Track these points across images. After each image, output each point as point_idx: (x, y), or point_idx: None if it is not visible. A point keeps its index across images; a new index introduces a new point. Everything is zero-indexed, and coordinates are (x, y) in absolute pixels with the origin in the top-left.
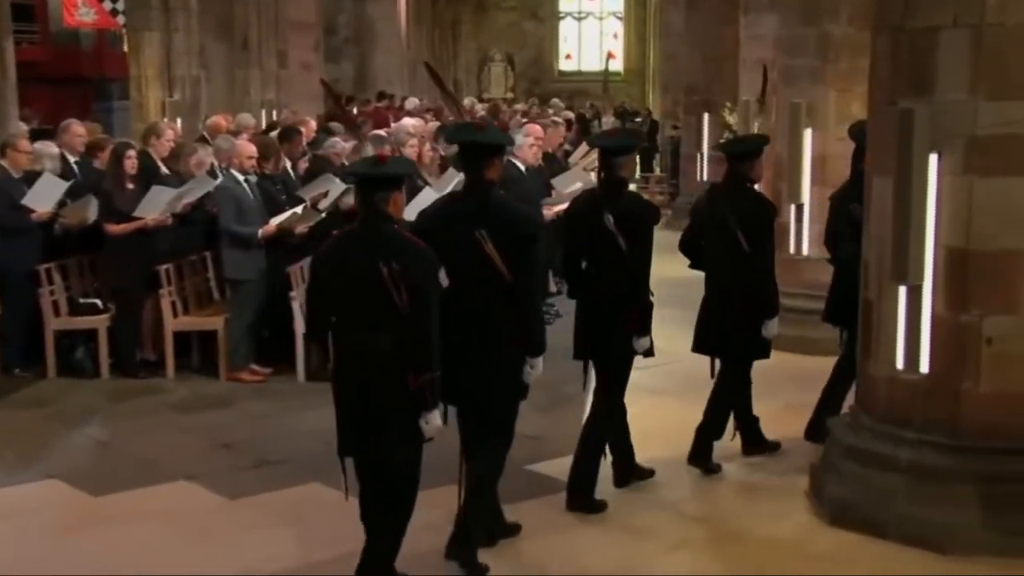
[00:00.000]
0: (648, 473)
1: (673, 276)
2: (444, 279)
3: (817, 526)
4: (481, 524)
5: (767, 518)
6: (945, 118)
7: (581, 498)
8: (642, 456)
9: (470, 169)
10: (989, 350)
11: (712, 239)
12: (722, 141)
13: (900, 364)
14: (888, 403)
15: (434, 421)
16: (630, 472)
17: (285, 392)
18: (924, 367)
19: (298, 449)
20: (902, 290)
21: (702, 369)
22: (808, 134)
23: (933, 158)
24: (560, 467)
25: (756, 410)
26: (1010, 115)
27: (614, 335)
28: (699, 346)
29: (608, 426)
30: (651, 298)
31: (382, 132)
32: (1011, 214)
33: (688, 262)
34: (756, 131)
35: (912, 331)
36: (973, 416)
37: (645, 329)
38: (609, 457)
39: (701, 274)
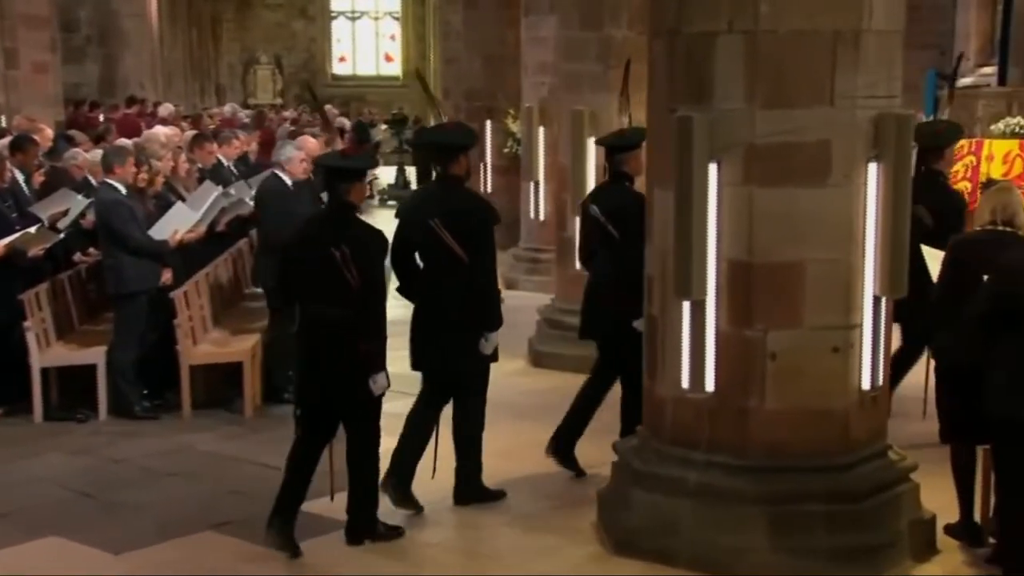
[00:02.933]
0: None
1: None
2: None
3: (602, 557)
4: (476, 469)
5: (549, 551)
6: (723, 126)
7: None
8: (434, 488)
9: (439, 166)
10: (774, 365)
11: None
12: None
13: (685, 383)
14: (675, 424)
15: (380, 381)
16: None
17: (18, 435)
18: (709, 385)
19: (33, 499)
20: (686, 306)
21: (494, 393)
22: (592, 143)
23: (713, 167)
24: (334, 505)
25: (542, 433)
26: (786, 123)
27: (612, 316)
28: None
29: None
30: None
31: (127, 141)
32: (791, 225)
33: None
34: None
35: (697, 348)
36: (760, 434)
37: (638, 312)
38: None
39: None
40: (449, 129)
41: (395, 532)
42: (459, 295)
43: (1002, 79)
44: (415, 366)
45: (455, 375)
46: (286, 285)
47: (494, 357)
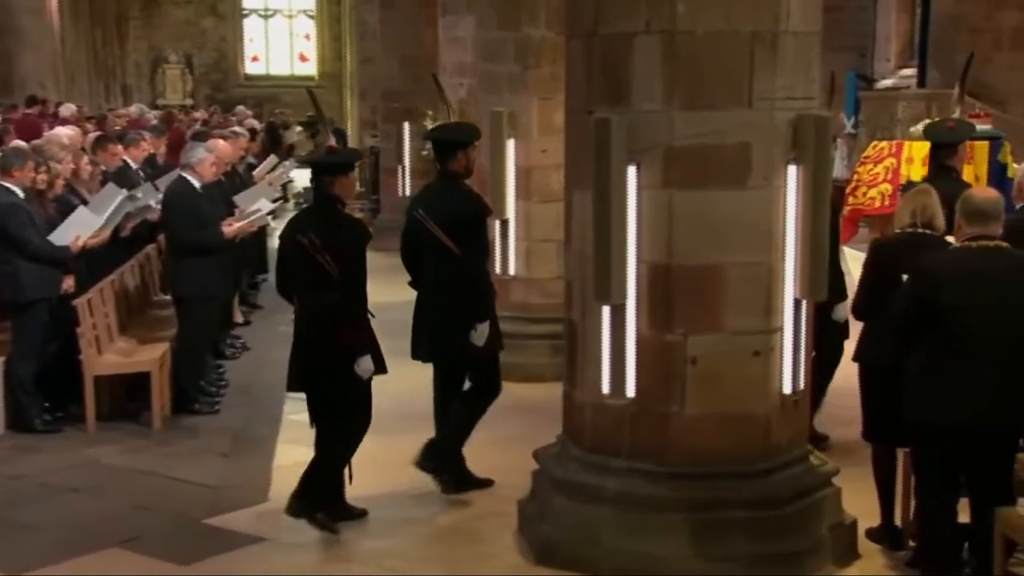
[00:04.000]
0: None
1: (381, 300)
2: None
3: (523, 567)
4: (457, 449)
5: (471, 562)
6: (642, 128)
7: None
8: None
9: (438, 162)
10: (694, 370)
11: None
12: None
13: (606, 389)
14: (595, 431)
15: (364, 364)
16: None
17: None
18: (630, 391)
19: None
20: (605, 310)
21: (397, 402)
22: (511, 145)
23: (632, 170)
24: (244, 520)
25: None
26: (705, 125)
27: None
28: None
29: None
30: None
31: (22, 143)
32: (711, 227)
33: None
34: None
35: (617, 353)
36: (681, 440)
37: None
38: None
39: (407, 299)
40: (449, 127)
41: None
42: (451, 286)
43: (921, 81)
44: (413, 355)
45: (451, 362)
46: (280, 278)
47: (489, 348)
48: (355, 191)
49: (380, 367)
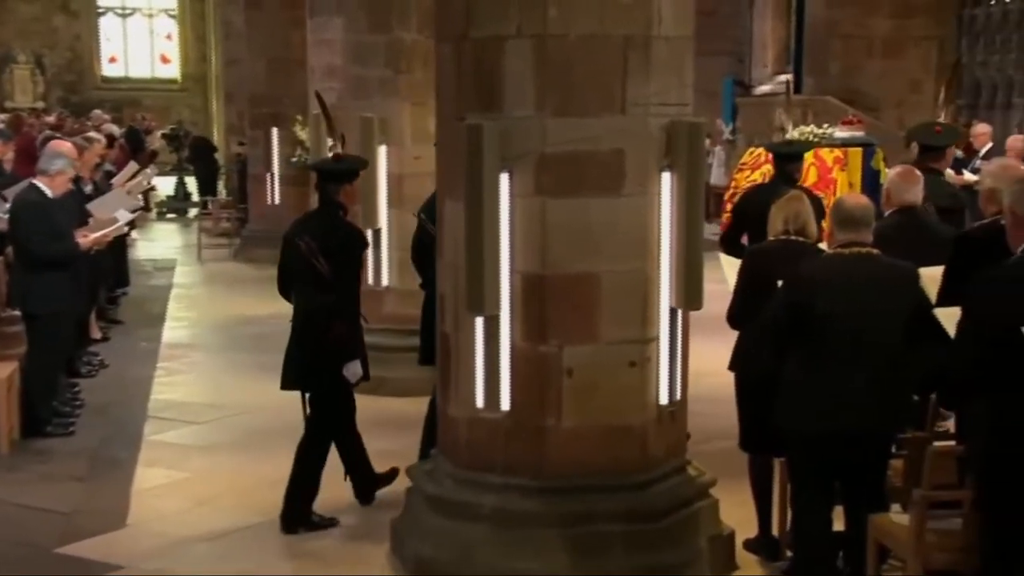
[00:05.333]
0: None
1: (249, 314)
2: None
3: None
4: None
5: None
6: (514, 135)
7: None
8: (206, 525)
9: None
10: (570, 382)
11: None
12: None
13: (480, 402)
14: (470, 446)
15: (353, 368)
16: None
17: None
18: (505, 404)
19: None
20: (479, 322)
21: (265, 421)
22: (383, 152)
23: (504, 178)
24: (100, 548)
25: (334, 459)
26: (578, 131)
27: None
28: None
29: None
30: None
31: None
32: (585, 236)
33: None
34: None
35: (491, 366)
36: (557, 454)
37: None
38: None
39: (276, 312)
40: None
41: (329, 522)
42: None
43: (797, 87)
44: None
45: None
46: (280, 277)
47: None
48: (358, 197)
49: (364, 374)
